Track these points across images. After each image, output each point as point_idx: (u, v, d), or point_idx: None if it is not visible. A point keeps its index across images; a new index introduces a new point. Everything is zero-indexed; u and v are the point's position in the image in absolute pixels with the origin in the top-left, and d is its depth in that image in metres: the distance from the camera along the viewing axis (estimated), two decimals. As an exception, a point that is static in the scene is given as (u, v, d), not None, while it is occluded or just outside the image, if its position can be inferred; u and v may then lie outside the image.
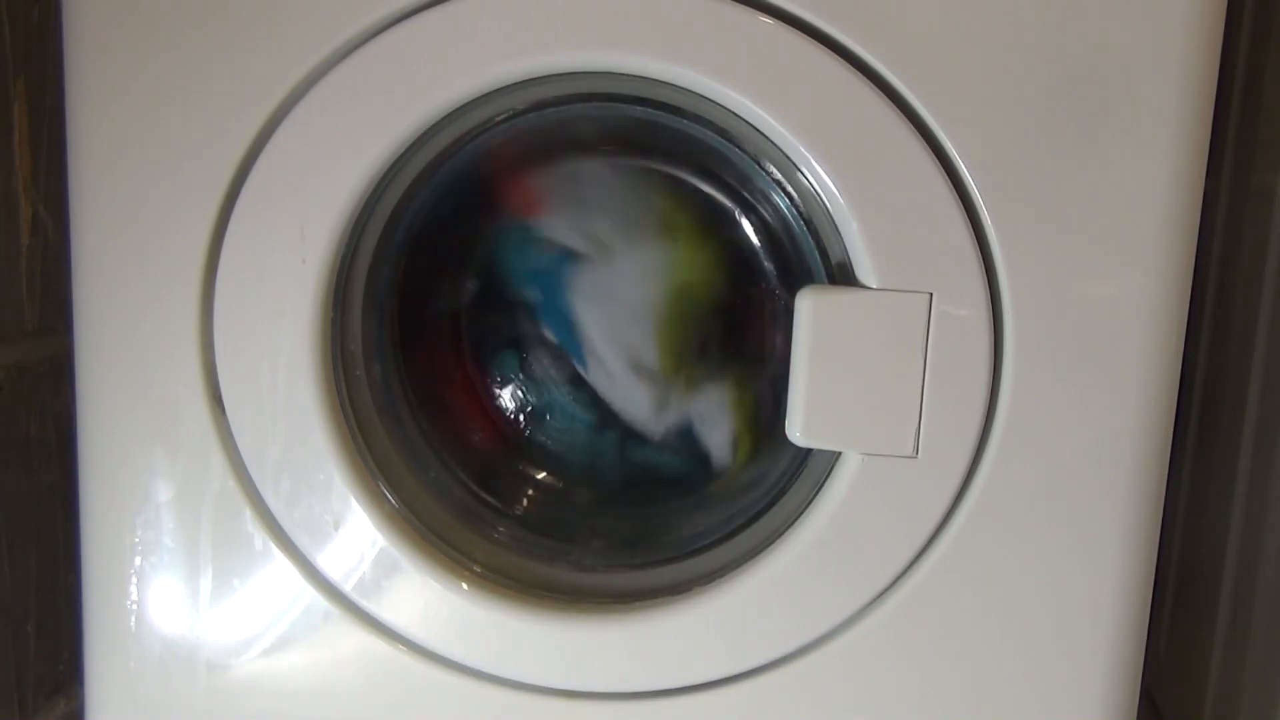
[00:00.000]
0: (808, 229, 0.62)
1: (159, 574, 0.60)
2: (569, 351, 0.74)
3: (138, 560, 0.60)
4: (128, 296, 0.57)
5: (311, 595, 0.59)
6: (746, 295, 0.73)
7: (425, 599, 0.59)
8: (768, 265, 0.73)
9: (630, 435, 0.74)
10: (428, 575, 0.58)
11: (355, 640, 0.60)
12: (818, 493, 0.57)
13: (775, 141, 0.54)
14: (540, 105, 0.61)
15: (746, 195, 0.71)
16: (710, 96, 0.54)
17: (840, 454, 0.56)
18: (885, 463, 0.54)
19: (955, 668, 0.57)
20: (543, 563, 0.64)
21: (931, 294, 0.53)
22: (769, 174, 0.64)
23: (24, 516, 0.63)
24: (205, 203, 0.56)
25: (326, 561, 0.59)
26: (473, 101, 0.55)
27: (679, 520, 0.73)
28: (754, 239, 0.72)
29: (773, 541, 0.58)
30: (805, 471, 0.62)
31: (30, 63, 0.62)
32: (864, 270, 0.54)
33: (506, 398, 0.75)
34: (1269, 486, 0.62)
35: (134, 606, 0.60)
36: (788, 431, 0.55)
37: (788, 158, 0.55)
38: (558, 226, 0.75)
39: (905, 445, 0.54)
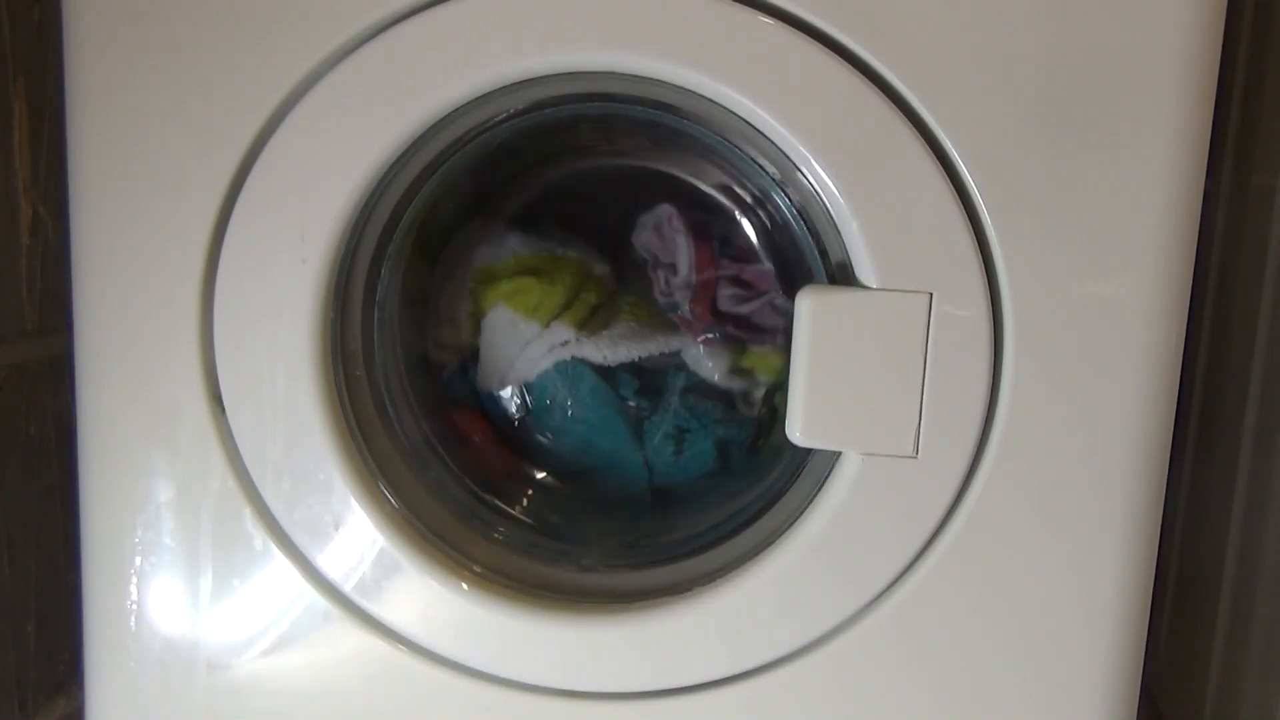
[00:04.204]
0: (808, 229, 0.62)
1: (159, 574, 0.60)
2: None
3: (138, 560, 0.60)
4: (128, 296, 0.57)
5: (311, 595, 0.59)
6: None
7: (425, 599, 0.59)
8: (768, 265, 0.73)
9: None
10: (428, 575, 0.58)
11: (355, 640, 0.60)
12: (818, 493, 0.57)
13: (775, 141, 0.54)
14: (540, 105, 0.61)
15: (746, 195, 0.71)
16: (710, 96, 0.54)
17: (840, 454, 0.56)
18: (885, 463, 0.54)
19: (955, 668, 0.57)
20: (543, 563, 0.64)
21: (931, 294, 0.53)
22: (769, 174, 0.64)
23: (24, 516, 0.63)
24: (205, 203, 0.56)
25: (326, 561, 0.59)
26: (473, 101, 0.55)
27: (679, 520, 0.73)
28: (754, 239, 0.72)
29: (773, 541, 0.58)
30: (805, 471, 0.62)
31: (30, 63, 0.62)
32: (864, 270, 0.54)
33: (507, 397, 0.75)
34: (1269, 486, 0.62)
35: (134, 606, 0.60)
36: (788, 431, 0.55)
37: (788, 158, 0.54)
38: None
39: (905, 445, 0.54)
